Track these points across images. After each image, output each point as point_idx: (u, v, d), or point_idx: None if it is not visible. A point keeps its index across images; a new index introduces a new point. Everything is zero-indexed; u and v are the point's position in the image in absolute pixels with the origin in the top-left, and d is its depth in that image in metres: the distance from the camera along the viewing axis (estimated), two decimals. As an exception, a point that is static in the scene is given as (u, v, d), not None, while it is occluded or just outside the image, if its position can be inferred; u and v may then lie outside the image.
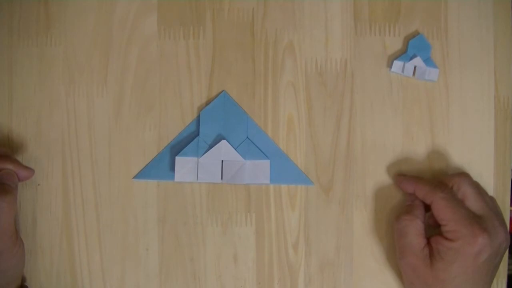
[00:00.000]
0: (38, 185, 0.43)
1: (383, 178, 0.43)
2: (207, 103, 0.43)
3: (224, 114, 0.42)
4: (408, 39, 0.43)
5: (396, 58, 0.42)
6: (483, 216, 0.37)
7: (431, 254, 0.37)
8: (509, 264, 0.43)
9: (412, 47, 0.42)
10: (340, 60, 0.43)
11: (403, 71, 0.42)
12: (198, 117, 0.42)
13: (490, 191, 0.42)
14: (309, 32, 0.43)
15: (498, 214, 0.38)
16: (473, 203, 0.38)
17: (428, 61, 0.42)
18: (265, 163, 0.42)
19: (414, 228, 0.39)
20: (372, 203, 0.43)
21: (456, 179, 0.39)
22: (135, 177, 0.43)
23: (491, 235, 0.36)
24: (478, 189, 0.39)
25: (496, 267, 0.38)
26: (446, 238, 0.37)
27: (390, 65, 0.43)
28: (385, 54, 0.43)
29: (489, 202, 0.39)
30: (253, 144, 0.42)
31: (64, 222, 0.43)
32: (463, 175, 0.39)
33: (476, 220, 0.36)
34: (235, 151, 0.41)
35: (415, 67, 0.42)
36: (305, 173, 0.43)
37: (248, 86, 0.43)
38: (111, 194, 0.43)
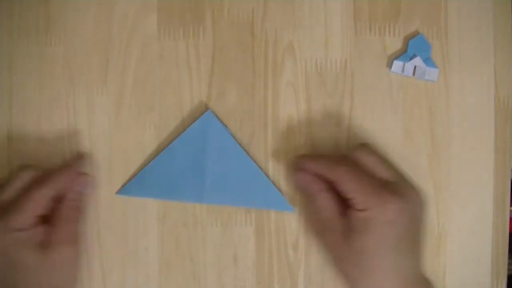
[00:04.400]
0: (38, 185, 0.43)
1: (383, 178, 0.43)
2: (207, 103, 0.43)
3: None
4: (408, 39, 0.43)
5: (396, 58, 0.42)
6: (393, 181, 0.36)
7: (347, 227, 0.35)
8: (509, 264, 0.43)
9: (412, 47, 0.42)
10: (340, 60, 0.43)
11: (403, 71, 0.42)
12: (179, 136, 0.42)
13: (490, 191, 0.42)
14: (309, 32, 0.43)
15: (407, 178, 0.37)
16: (379, 170, 0.36)
17: (428, 61, 0.42)
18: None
19: (323, 200, 0.37)
20: (372, 203, 0.43)
21: (356, 151, 0.38)
22: (119, 192, 0.42)
23: (402, 199, 0.34)
24: (379, 157, 0.37)
25: (419, 233, 0.36)
26: (357, 209, 0.35)
27: (390, 65, 0.43)
28: (385, 54, 0.43)
29: (394, 168, 0.38)
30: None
31: (64, 222, 0.43)
32: (362, 146, 0.38)
33: (385, 187, 0.35)
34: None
35: (415, 67, 0.42)
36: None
37: (248, 86, 0.43)
38: (111, 194, 0.43)
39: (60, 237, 0.38)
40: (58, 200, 0.39)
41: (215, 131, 0.42)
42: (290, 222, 0.42)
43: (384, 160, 0.37)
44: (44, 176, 0.39)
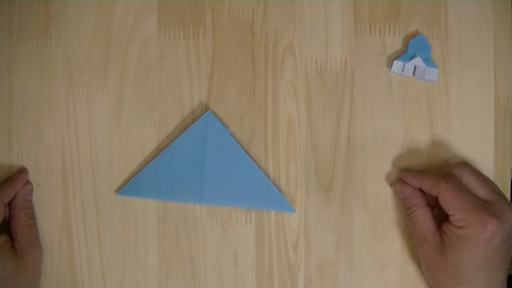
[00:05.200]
0: (38, 185, 0.43)
1: (383, 178, 0.43)
2: (207, 103, 0.43)
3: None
4: (408, 39, 0.43)
5: (396, 58, 0.42)
6: (490, 201, 0.37)
7: (443, 240, 0.38)
8: (509, 264, 0.43)
9: (412, 47, 0.42)
10: (340, 60, 0.43)
11: (403, 71, 0.42)
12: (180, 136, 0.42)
13: (490, 191, 0.42)
14: (309, 32, 0.43)
15: (504, 198, 0.38)
16: (478, 190, 0.38)
17: (428, 61, 0.42)
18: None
19: (420, 216, 0.39)
20: (372, 203, 0.43)
21: (457, 169, 0.39)
22: (119, 192, 0.42)
23: (500, 220, 0.36)
24: (480, 175, 0.39)
25: (510, 250, 0.38)
26: (456, 226, 0.37)
27: (390, 65, 0.43)
28: (385, 54, 0.43)
29: (493, 186, 0.39)
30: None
31: (64, 222, 0.43)
32: (463, 164, 0.40)
33: (484, 207, 0.37)
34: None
35: (415, 67, 0.42)
36: (305, 173, 0.43)
37: (248, 86, 0.43)
38: (111, 194, 0.43)
39: (26, 241, 0.40)
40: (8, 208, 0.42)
41: (215, 131, 0.42)
42: (290, 222, 0.43)
43: (484, 179, 0.39)
44: None
